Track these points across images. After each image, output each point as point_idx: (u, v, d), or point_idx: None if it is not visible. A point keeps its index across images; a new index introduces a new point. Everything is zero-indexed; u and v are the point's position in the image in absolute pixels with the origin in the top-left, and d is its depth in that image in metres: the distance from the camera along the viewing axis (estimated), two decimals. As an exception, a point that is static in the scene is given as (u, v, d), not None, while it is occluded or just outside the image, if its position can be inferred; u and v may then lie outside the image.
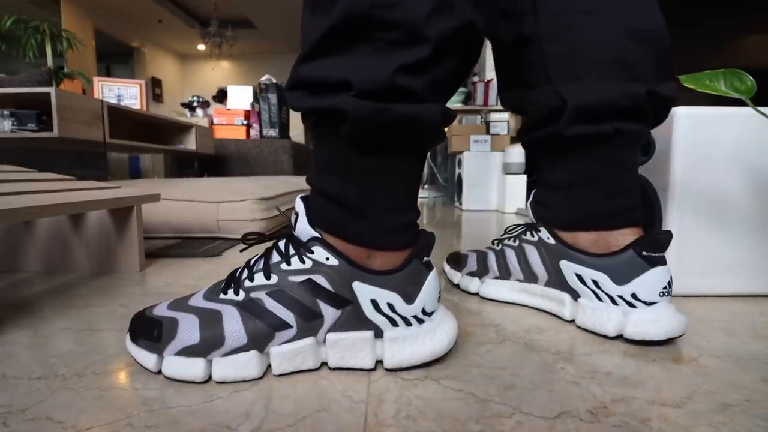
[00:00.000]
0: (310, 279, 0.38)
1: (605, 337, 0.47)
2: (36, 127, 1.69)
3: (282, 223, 1.31)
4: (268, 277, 0.39)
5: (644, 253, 0.46)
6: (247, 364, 0.37)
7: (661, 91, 0.46)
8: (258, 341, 0.37)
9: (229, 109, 3.24)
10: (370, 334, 0.39)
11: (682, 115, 0.59)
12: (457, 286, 0.66)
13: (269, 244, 0.48)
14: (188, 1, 5.78)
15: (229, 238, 1.12)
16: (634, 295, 0.46)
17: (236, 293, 0.39)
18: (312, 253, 0.38)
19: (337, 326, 0.39)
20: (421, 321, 0.40)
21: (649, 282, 0.46)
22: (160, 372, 0.38)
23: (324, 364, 0.40)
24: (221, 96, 4.23)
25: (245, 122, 3.20)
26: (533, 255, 0.56)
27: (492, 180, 2.12)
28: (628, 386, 0.37)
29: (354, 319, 0.39)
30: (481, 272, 0.62)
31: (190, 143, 2.66)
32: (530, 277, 0.57)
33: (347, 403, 0.34)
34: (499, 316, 0.55)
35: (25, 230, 0.75)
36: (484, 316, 0.54)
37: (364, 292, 0.38)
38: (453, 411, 0.33)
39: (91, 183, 0.78)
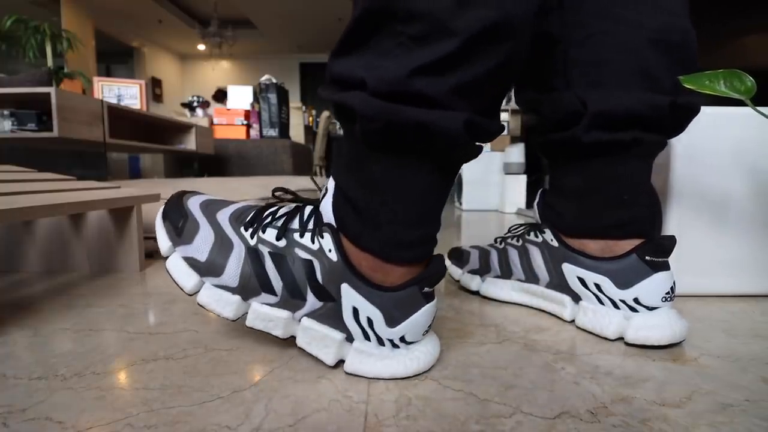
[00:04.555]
0: (311, 261, 0.38)
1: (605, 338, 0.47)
2: (36, 127, 1.70)
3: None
4: (278, 239, 0.39)
5: (647, 257, 0.46)
6: (227, 305, 0.40)
7: (683, 103, 0.45)
8: (245, 291, 0.40)
9: (229, 109, 3.24)
10: (341, 336, 0.38)
11: (682, 115, 0.59)
12: (458, 282, 0.66)
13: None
14: (188, 1, 5.78)
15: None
16: (636, 300, 0.46)
17: (251, 236, 0.40)
18: (322, 238, 0.38)
19: (315, 315, 0.39)
20: (395, 346, 0.38)
21: (651, 287, 0.46)
22: (166, 258, 0.42)
23: (293, 337, 0.41)
24: (220, 96, 4.23)
25: (245, 122, 3.20)
26: (536, 256, 0.55)
27: (492, 180, 2.12)
28: (628, 386, 0.37)
29: (332, 316, 0.38)
30: (483, 270, 0.62)
31: (190, 143, 2.66)
32: (532, 277, 0.57)
33: (347, 403, 0.34)
34: (499, 316, 0.55)
35: (25, 230, 0.75)
36: (484, 316, 0.54)
37: (349, 296, 0.37)
38: (453, 411, 0.33)
39: (91, 183, 0.78)
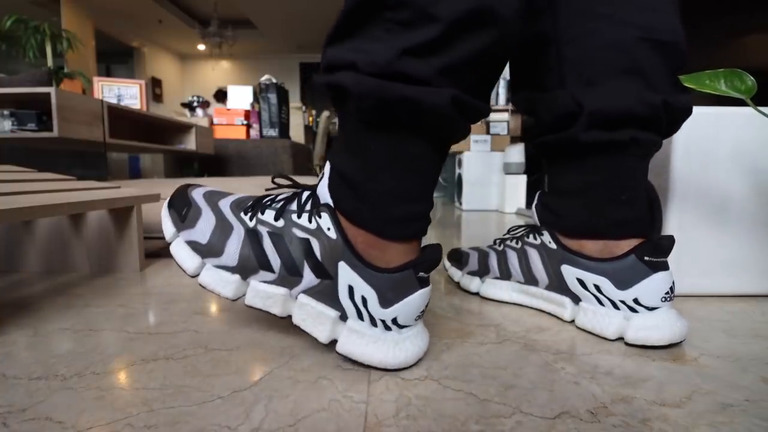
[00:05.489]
0: (308, 240, 0.40)
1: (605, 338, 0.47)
2: (36, 127, 1.70)
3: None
4: (276, 219, 0.42)
5: (646, 258, 0.46)
6: (227, 284, 0.42)
7: (675, 103, 0.45)
8: (244, 270, 0.42)
9: (229, 109, 3.24)
10: (335, 314, 0.39)
11: (682, 115, 0.59)
12: (458, 284, 0.66)
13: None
14: (188, 1, 5.78)
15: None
16: (636, 300, 0.46)
17: (251, 219, 0.43)
18: (320, 217, 0.39)
19: (312, 292, 0.40)
20: (388, 328, 0.39)
21: (651, 287, 0.45)
22: (169, 244, 0.45)
23: (290, 316, 0.42)
24: (219, 96, 4.22)
25: (245, 122, 3.20)
26: (535, 258, 0.55)
27: (492, 180, 2.12)
28: (628, 386, 0.37)
29: (328, 293, 0.40)
30: (482, 272, 0.62)
31: (190, 143, 2.66)
32: (531, 279, 0.56)
33: (347, 403, 0.34)
34: (499, 316, 0.55)
35: (25, 230, 0.75)
36: (484, 316, 0.54)
37: (345, 274, 0.38)
38: (453, 411, 0.33)
39: (91, 183, 0.78)
